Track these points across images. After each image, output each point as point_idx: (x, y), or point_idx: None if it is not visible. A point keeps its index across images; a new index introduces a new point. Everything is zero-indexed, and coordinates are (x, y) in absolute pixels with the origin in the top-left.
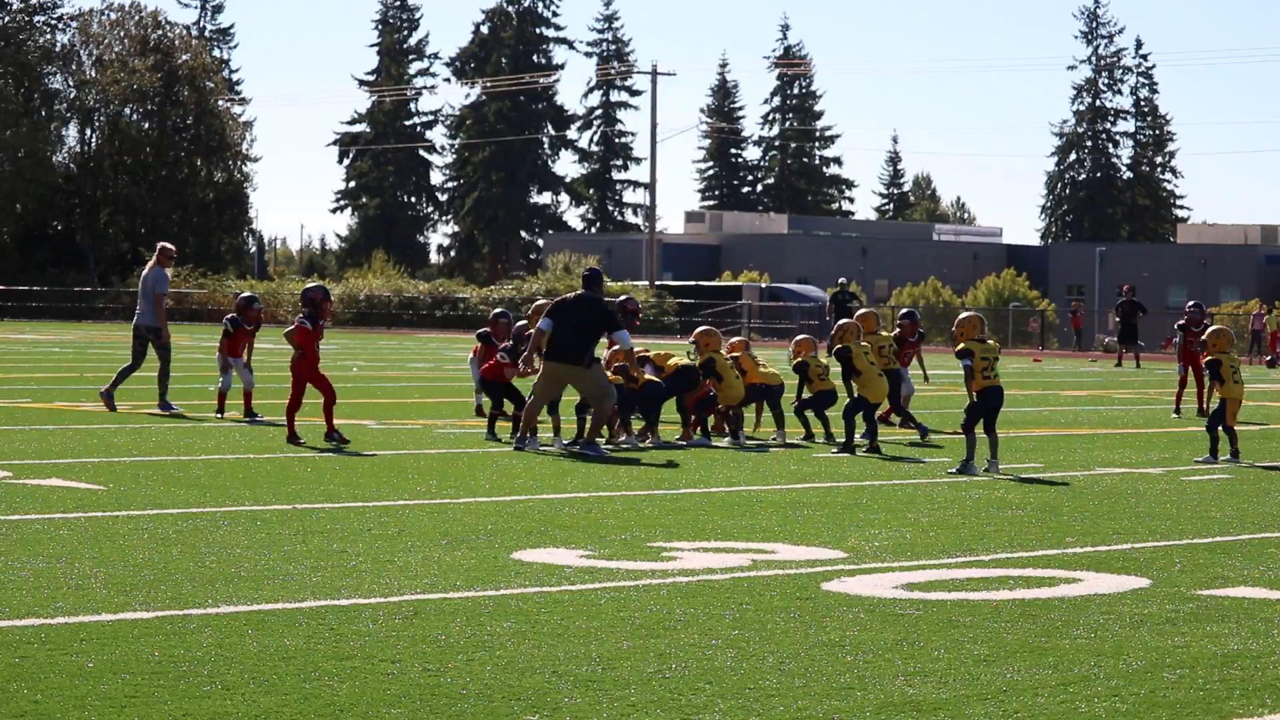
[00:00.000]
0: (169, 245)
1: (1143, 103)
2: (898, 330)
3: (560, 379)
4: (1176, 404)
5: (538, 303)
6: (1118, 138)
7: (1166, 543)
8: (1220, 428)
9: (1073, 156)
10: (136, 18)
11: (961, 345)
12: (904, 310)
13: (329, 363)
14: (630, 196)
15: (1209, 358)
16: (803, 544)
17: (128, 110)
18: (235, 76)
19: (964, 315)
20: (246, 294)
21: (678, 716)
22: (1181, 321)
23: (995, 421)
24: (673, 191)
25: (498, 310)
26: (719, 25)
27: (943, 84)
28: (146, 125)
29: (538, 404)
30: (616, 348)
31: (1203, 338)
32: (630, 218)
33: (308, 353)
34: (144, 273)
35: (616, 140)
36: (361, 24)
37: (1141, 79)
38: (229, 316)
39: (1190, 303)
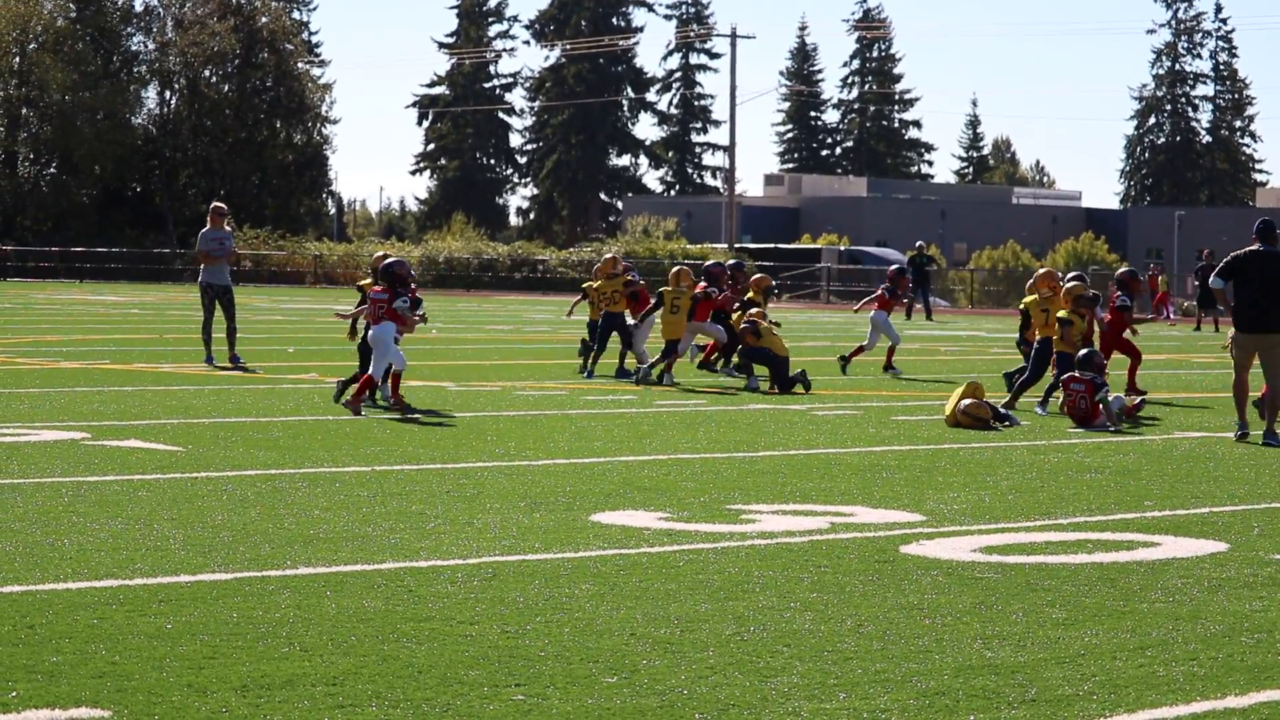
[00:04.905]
0: (218, 204)
1: (1222, 67)
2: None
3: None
4: None
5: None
6: (1197, 102)
7: (1245, 507)
8: None
9: (1152, 120)
10: None
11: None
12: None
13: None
14: (709, 159)
15: None
16: (881, 507)
17: (207, 72)
18: (315, 39)
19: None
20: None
21: (756, 679)
22: None
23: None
24: (752, 154)
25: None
26: None
27: (1022, 47)
28: (226, 87)
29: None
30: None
31: None
32: (709, 180)
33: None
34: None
35: (696, 103)
36: None
37: (1221, 43)
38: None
39: None
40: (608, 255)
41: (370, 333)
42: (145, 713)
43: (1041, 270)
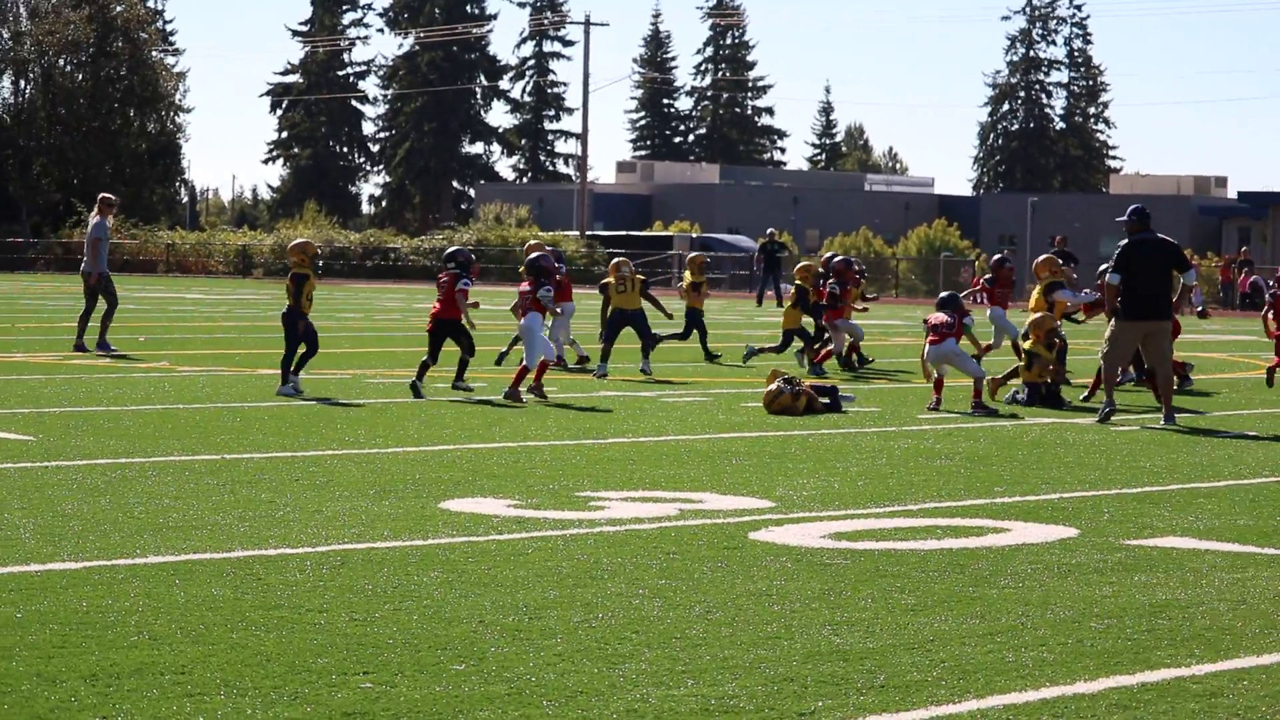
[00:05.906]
0: (107, 195)
1: (1076, 53)
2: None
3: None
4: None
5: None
6: (1051, 88)
7: (1095, 493)
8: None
9: (1006, 107)
10: None
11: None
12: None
13: (257, 313)
14: (562, 147)
15: None
16: (730, 493)
17: (61, 61)
18: (169, 27)
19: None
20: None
21: (604, 666)
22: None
23: None
24: (605, 142)
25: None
26: None
27: (876, 34)
28: (80, 76)
29: (1113, 361)
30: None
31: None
32: (562, 168)
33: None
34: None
35: (549, 90)
36: None
37: (1075, 29)
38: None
39: None
40: (532, 241)
41: (520, 325)
42: None
43: (1042, 258)
